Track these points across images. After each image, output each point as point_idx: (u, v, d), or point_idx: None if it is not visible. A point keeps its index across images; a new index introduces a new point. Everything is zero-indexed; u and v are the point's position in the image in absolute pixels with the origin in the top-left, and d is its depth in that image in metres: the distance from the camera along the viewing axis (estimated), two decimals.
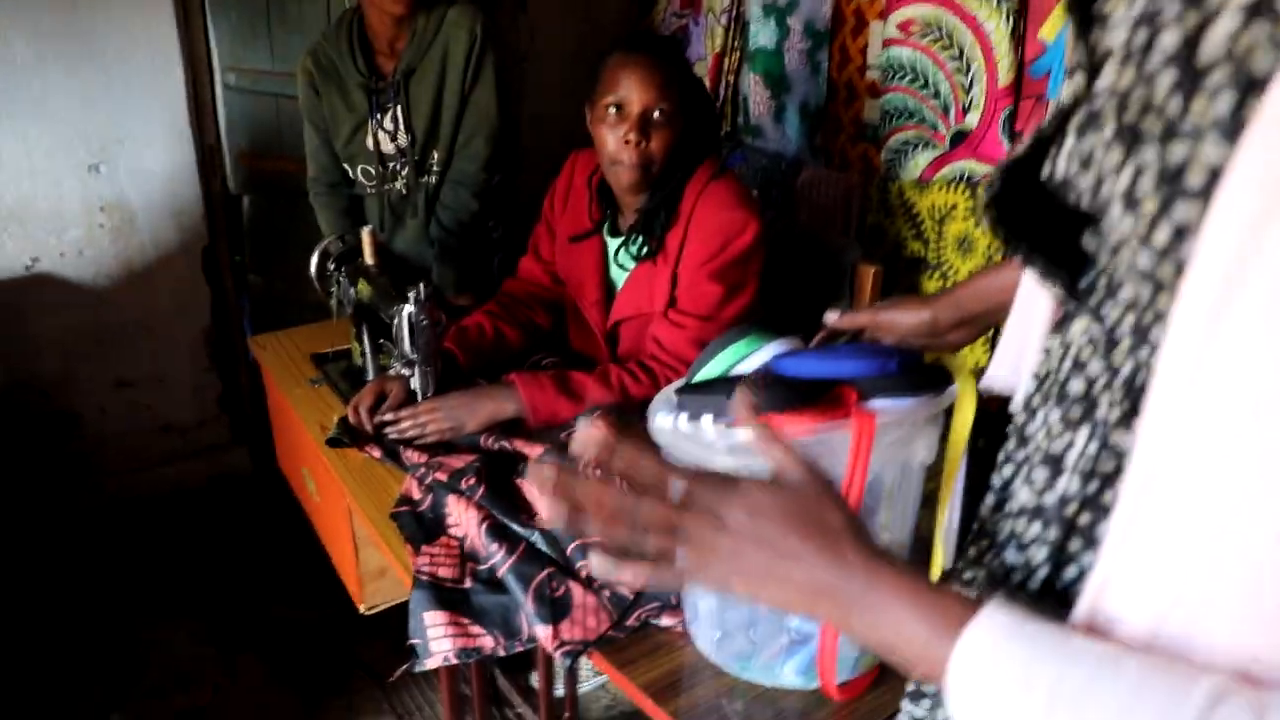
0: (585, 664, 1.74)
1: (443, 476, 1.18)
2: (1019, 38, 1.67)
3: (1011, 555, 0.51)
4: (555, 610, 0.96)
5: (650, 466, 0.49)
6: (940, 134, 1.86)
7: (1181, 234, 0.37)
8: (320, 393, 1.52)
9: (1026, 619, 0.39)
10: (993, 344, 1.69)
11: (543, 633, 0.94)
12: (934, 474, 0.86)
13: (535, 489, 1.13)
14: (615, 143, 1.29)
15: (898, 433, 0.75)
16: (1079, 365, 0.48)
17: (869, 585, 0.44)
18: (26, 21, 1.97)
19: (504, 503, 1.12)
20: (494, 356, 1.47)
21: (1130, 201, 0.39)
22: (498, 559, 1.03)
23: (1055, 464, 0.48)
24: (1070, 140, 0.44)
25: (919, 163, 1.91)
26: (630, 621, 0.96)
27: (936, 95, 1.85)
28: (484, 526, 1.08)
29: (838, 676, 0.82)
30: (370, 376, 1.49)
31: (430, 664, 0.97)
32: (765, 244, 1.36)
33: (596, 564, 0.48)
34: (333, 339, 1.68)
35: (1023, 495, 0.51)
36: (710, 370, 0.91)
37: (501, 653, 0.97)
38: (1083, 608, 0.41)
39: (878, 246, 2.02)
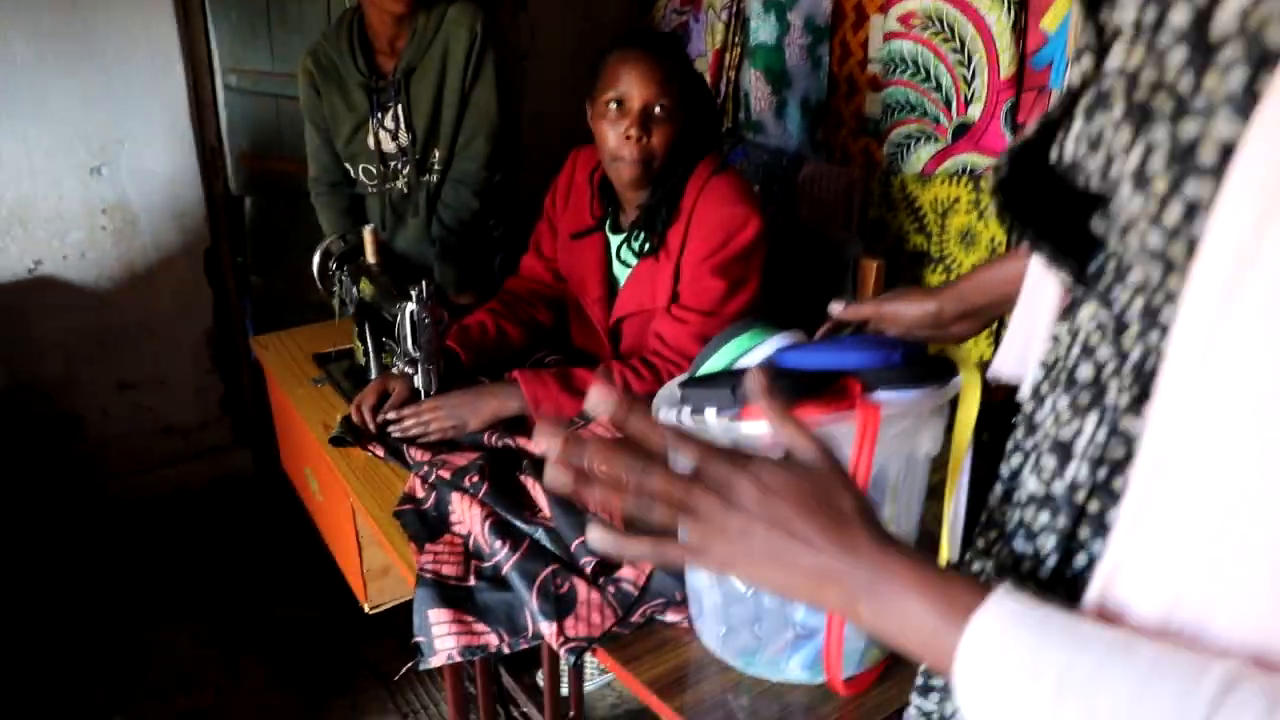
0: (591, 662, 1.74)
1: (446, 474, 1.18)
2: (1020, 29, 1.67)
3: (1020, 544, 0.51)
4: (559, 607, 0.96)
5: (662, 434, 0.47)
6: (942, 127, 1.85)
7: (1193, 211, 0.36)
8: (323, 392, 1.52)
9: (1035, 605, 0.39)
10: (996, 337, 1.69)
11: (547, 629, 0.94)
12: (938, 467, 0.85)
13: (538, 484, 1.13)
14: (616, 138, 1.29)
15: (902, 424, 0.75)
16: (1087, 351, 0.47)
17: (877, 572, 0.43)
18: (26, 21, 1.97)
19: (507, 500, 1.12)
20: (496, 354, 1.46)
21: (1140, 180, 0.38)
22: (501, 556, 1.03)
23: (1064, 451, 0.48)
24: (1078, 123, 0.44)
25: (921, 156, 1.91)
26: (635, 618, 0.96)
27: (938, 88, 1.84)
28: (488, 524, 1.07)
29: (844, 671, 0.82)
30: (373, 375, 1.49)
31: (435, 662, 0.97)
32: (767, 239, 1.36)
33: (598, 537, 0.47)
34: (335, 338, 1.68)
35: (1031, 484, 0.50)
36: (714, 364, 0.91)
37: (506, 650, 0.97)
38: (1093, 594, 0.40)
39: (880, 241, 2.01)
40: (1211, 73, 0.35)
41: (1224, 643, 0.35)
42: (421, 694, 1.85)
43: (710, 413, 0.77)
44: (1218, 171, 0.35)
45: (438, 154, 1.88)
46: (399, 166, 1.89)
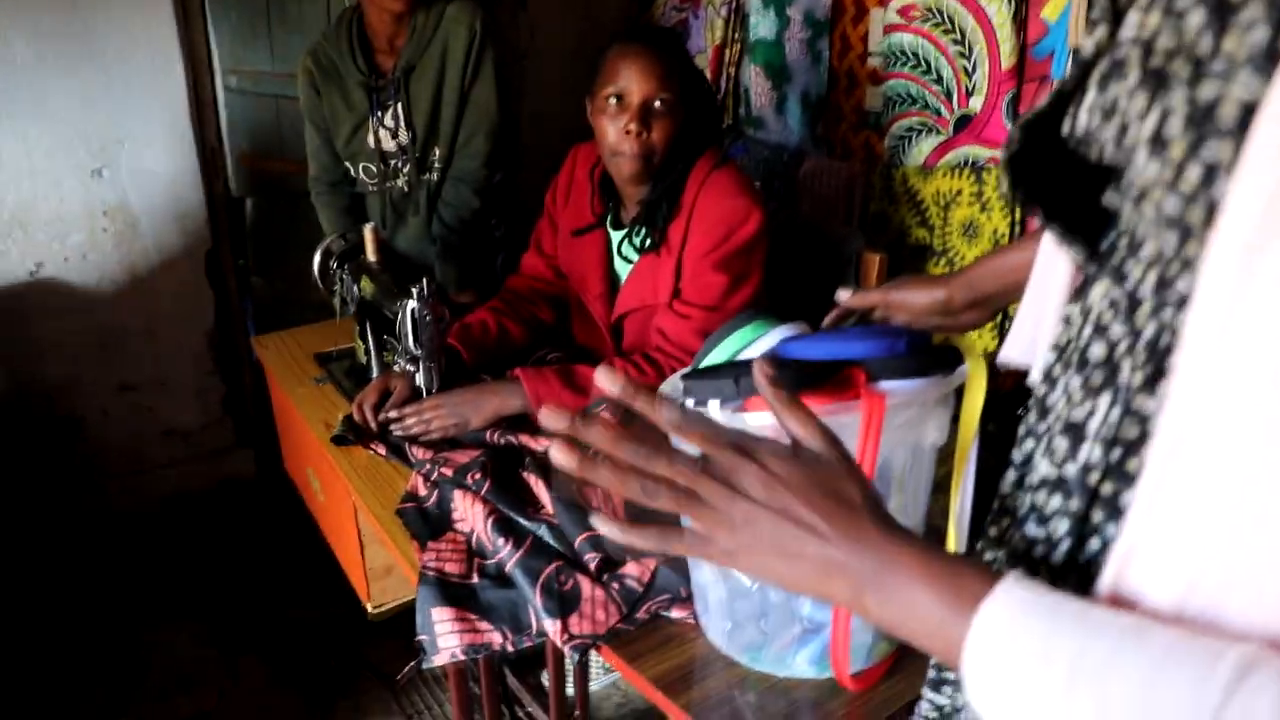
0: (596, 661, 1.73)
1: (448, 472, 1.18)
2: (1021, 20, 1.66)
3: (1032, 529, 0.50)
4: (563, 604, 0.95)
5: (671, 416, 0.46)
6: (944, 119, 1.84)
7: (1212, 174, 0.36)
8: (324, 391, 1.51)
9: (1045, 593, 0.38)
10: (1000, 329, 1.68)
11: (551, 626, 0.93)
12: (944, 459, 0.84)
13: (541, 480, 1.12)
14: (616, 133, 1.28)
15: (908, 414, 0.74)
16: (1100, 330, 0.46)
17: (884, 562, 0.42)
18: (26, 22, 1.97)
19: (510, 497, 1.11)
20: (498, 352, 1.46)
21: (1157, 145, 0.38)
22: (505, 553, 1.02)
23: (1076, 432, 0.47)
24: (1092, 93, 0.43)
25: (922, 149, 1.90)
26: (640, 614, 0.95)
27: (939, 80, 1.83)
28: (490, 521, 1.07)
29: (851, 666, 0.81)
30: (374, 374, 1.49)
31: (438, 660, 0.96)
32: (768, 234, 1.35)
33: (603, 527, 0.46)
34: (336, 338, 1.67)
35: (1043, 467, 0.50)
36: (716, 356, 0.90)
37: (510, 648, 0.96)
38: (1107, 579, 0.39)
39: (882, 234, 2.01)
40: (1231, 33, 0.34)
41: (1240, 626, 0.34)
42: (425, 695, 1.85)
43: (713, 405, 0.76)
44: (1238, 133, 0.34)
45: (437, 152, 1.88)
46: (399, 165, 1.89)
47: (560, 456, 0.45)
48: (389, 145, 1.87)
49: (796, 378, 0.71)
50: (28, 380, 2.20)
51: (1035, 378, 0.55)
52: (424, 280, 1.29)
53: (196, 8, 2.22)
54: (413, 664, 0.98)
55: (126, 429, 2.36)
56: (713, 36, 2.38)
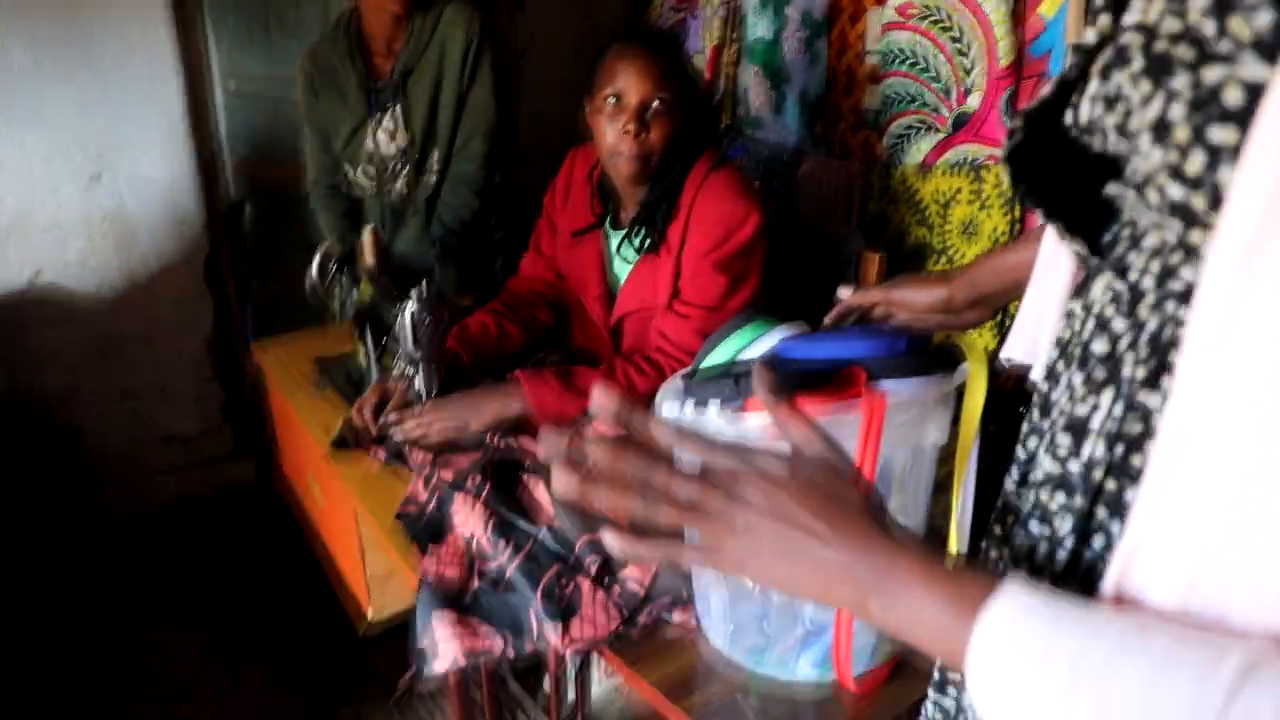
0: (597, 668, 1.73)
1: (448, 476, 1.17)
2: (1019, 17, 1.65)
3: (1036, 527, 0.49)
4: (565, 608, 0.95)
5: (666, 434, 0.47)
6: (942, 117, 1.84)
7: (1216, 159, 0.35)
8: (324, 396, 1.51)
9: (1047, 596, 0.38)
10: (1000, 327, 1.68)
11: (552, 631, 0.93)
12: (945, 459, 0.84)
13: (541, 484, 1.12)
14: (614, 134, 1.28)
15: (908, 413, 0.74)
16: (1102, 324, 0.46)
17: (887, 566, 0.42)
18: (24, 27, 1.96)
19: (510, 501, 1.11)
20: (497, 354, 1.45)
21: (1160, 130, 0.38)
22: (505, 558, 1.02)
23: (1079, 428, 0.47)
24: (1094, 82, 0.43)
25: (921, 148, 1.89)
26: (641, 619, 0.95)
27: (937, 78, 1.83)
28: (491, 524, 1.06)
29: (855, 669, 0.80)
30: (374, 378, 1.48)
31: (438, 668, 0.95)
32: (767, 234, 1.35)
33: (610, 540, 0.46)
34: (335, 343, 1.67)
35: (1046, 464, 0.49)
36: (717, 356, 0.90)
37: (511, 654, 0.96)
38: (1110, 578, 0.39)
39: (881, 234, 2.00)
40: (1235, 16, 0.35)
41: (1241, 625, 0.34)
42: (427, 701, 1.84)
43: (714, 406, 0.76)
44: (1242, 115, 0.34)
45: (436, 154, 1.88)
46: (397, 168, 1.88)
47: (562, 483, 0.45)
48: (387, 148, 1.87)
49: (797, 378, 0.71)
50: (26, 389, 2.20)
51: (1038, 374, 0.55)
52: (423, 283, 1.29)
53: (194, 12, 2.22)
54: (411, 672, 0.97)
55: (126, 436, 2.35)
56: (710, 37, 2.38)
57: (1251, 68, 0.34)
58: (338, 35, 1.84)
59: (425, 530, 1.11)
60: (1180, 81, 0.37)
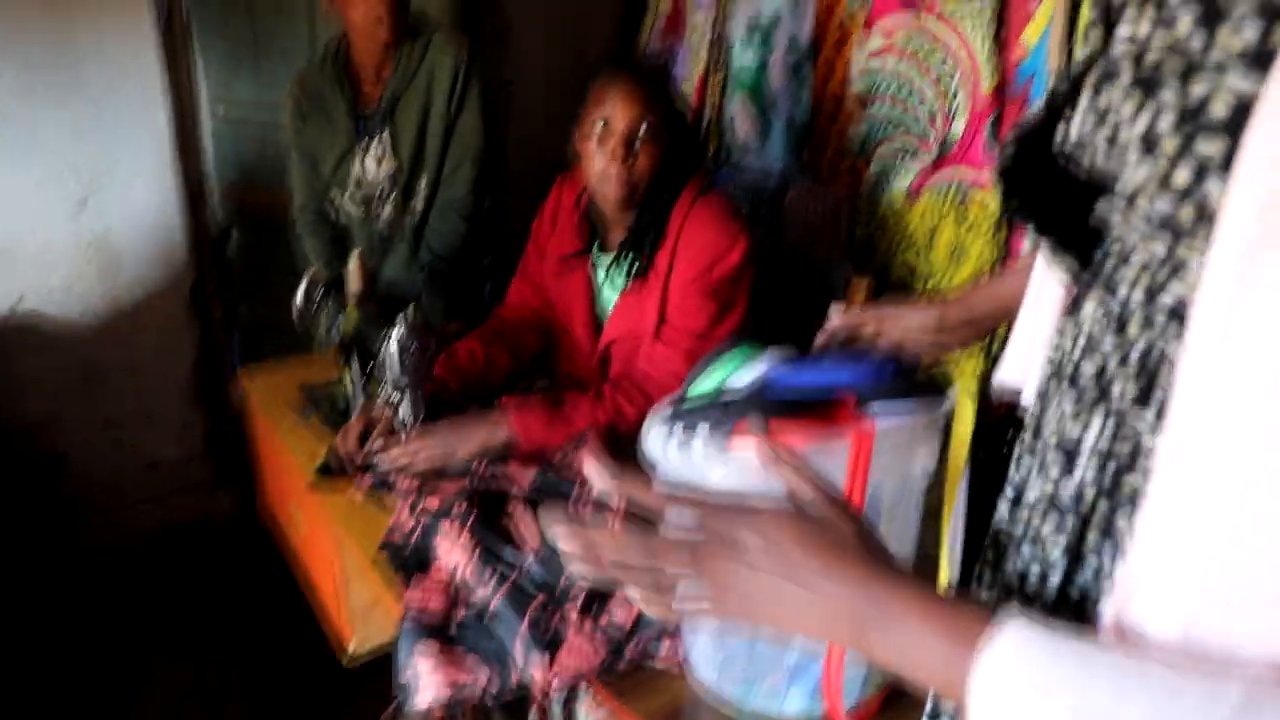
0: (584, 701, 1.70)
1: (434, 504, 1.16)
2: (1002, 43, 1.67)
3: (1028, 550, 0.49)
4: (550, 639, 0.93)
5: (659, 499, 0.49)
6: (928, 143, 1.85)
7: (1203, 171, 0.36)
8: (309, 424, 1.49)
9: (1045, 630, 0.37)
10: (988, 350, 1.68)
11: (538, 662, 0.91)
12: (934, 488, 0.83)
13: (528, 513, 1.11)
14: (602, 160, 1.28)
15: (897, 440, 0.73)
16: (1091, 346, 0.46)
17: (884, 602, 0.42)
18: (16, 54, 1.96)
19: (496, 531, 1.10)
20: (484, 382, 1.44)
21: (1149, 144, 0.38)
22: (490, 589, 1.00)
23: (1070, 451, 0.47)
24: (1085, 98, 0.44)
25: (908, 174, 1.91)
26: (629, 650, 0.93)
27: (922, 104, 1.84)
28: (476, 554, 1.05)
29: (846, 700, 0.79)
30: (359, 405, 1.47)
31: (420, 702, 0.93)
32: (754, 261, 1.35)
33: (634, 596, 0.49)
34: (322, 369, 1.65)
35: (1038, 486, 0.49)
36: (705, 383, 0.89)
37: (494, 690, 0.94)
38: (1110, 610, 0.38)
39: (868, 260, 2.01)
40: (1223, 30, 0.35)
41: (1247, 653, 0.33)
42: None
43: (702, 434, 0.75)
44: (1230, 127, 0.34)
45: (424, 181, 1.88)
46: (385, 194, 1.88)
47: (581, 571, 0.49)
48: (375, 174, 1.87)
49: (785, 407, 0.70)
50: (8, 416, 2.17)
51: (1029, 397, 0.54)
52: (410, 308, 1.28)
53: (183, 38, 2.23)
54: (392, 706, 0.95)
55: (109, 464, 2.32)
56: (697, 66, 2.40)
57: (1240, 80, 0.34)
58: (326, 62, 1.85)
59: (410, 560, 1.09)
60: (1169, 94, 0.37)
